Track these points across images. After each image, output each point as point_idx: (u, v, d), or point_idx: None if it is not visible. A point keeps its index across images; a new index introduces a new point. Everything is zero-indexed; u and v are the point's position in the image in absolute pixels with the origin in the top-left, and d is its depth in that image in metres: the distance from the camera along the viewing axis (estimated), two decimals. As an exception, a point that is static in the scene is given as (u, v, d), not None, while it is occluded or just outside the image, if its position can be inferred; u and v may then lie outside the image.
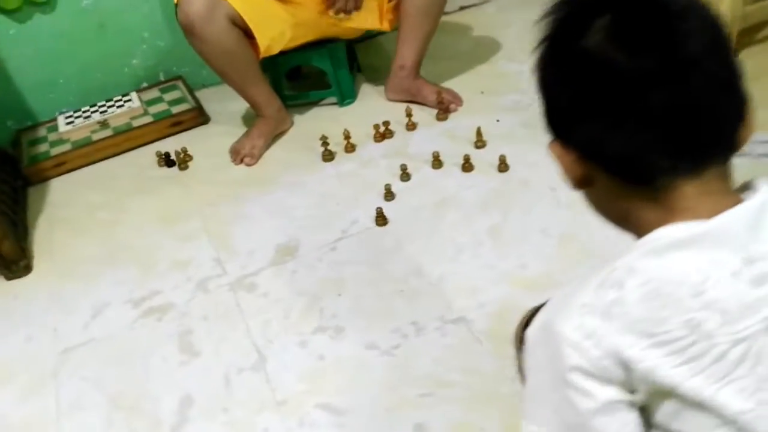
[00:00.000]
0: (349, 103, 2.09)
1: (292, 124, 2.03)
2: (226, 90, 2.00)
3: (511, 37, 2.26)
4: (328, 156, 1.84)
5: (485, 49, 2.24)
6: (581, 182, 0.65)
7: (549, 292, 1.32)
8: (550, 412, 0.60)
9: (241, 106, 2.06)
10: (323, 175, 1.79)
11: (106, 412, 1.25)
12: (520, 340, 0.83)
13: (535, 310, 0.79)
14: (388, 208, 1.60)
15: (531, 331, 0.64)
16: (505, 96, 1.99)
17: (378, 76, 2.15)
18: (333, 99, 2.09)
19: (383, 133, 1.89)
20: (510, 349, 1.20)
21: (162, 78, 2.30)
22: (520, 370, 1.14)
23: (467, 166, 1.70)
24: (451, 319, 1.30)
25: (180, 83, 2.27)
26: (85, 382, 1.33)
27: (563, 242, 1.43)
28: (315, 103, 2.11)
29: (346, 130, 1.84)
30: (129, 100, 2.16)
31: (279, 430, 1.16)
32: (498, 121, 1.88)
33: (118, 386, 1.30)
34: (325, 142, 1.83)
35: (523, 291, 1.32)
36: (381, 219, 1.58)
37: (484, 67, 2.16)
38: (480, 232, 1.50)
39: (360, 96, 2.12)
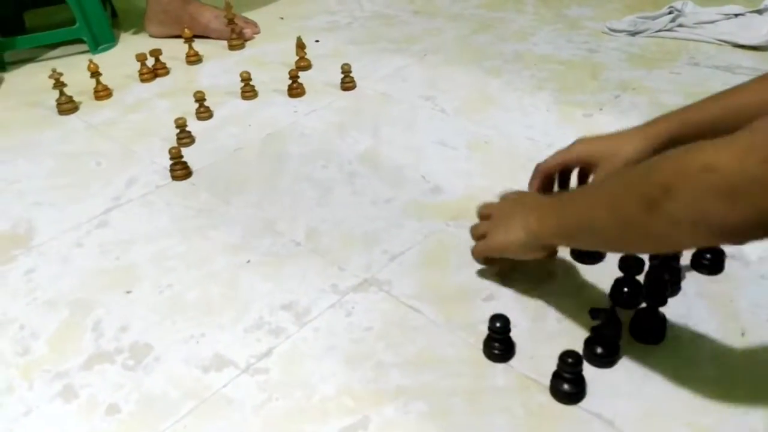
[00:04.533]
0: (108, 49, 1.42)
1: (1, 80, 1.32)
2: None
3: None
4: (69, 106, 1.16)
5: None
6: None
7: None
8: None
9: None
10: (66, 130, 1.12)
11: None
12: None
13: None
14: (189, 155, 0.98)
15: None
16: (314, 18, 1.49)
17: (139, 21, 1.50)
18: (80, 48, 1.40)
19: (154, 70, 1.27)
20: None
21: None
22: None
23: (296, 89, 1.15)
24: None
25: None
26: None
27: (475, 150, 0.95)
28: (37, 57, 1.40)
29: (92, 63, 1.18)
30: None
31: None
32: (317, 41, 1.35)
33: None
34: (61, 90, 1.16)
35: (445, 220, 0.80)
36: (180, 168, 0.96)
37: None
38: (351, 162, 0.95)
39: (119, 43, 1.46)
